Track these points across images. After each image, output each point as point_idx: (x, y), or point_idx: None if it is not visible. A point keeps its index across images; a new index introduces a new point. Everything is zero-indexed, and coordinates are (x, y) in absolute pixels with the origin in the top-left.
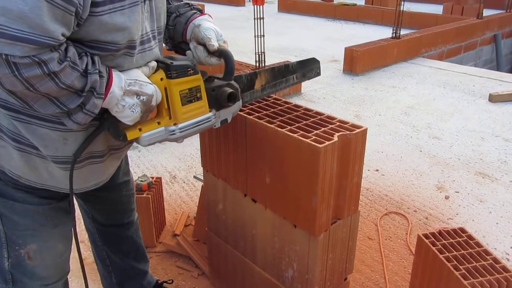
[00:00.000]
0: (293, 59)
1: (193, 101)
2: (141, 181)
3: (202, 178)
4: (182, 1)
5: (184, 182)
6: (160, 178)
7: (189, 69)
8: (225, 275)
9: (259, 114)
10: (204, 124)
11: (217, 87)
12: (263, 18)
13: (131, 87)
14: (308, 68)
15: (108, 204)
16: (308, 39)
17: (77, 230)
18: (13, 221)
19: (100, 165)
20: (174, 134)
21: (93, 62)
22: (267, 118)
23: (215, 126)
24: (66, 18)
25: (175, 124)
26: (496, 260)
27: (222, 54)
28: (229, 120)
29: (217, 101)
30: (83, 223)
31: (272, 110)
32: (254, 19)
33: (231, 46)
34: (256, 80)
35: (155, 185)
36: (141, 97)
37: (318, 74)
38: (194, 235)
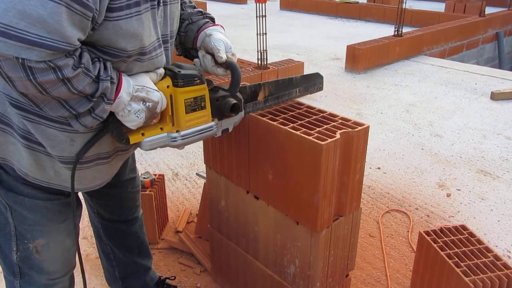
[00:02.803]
0: (295, 57)
1: (197, 110)
2: (144, 178)
3: (205, 176)
4: (195, 7)
5: (186, 179)
6: (162, 175)
7: (195, 79)
8: (227, 272)
9: (261, 112)
10: (206, 133)
11: (221, 97)
12: (265, 16)
13: (138, 93)
14: (311, 82)
15: (114, 200)
16: (310, 37)
17: (82, 226)
18: (22, 215)
19: (106, 165)
20: (175, 141)
21: (105, 68)
22: (270, 116)
23: (216, 135)
24: (83, 23)
25: (177, 131)
26: (497, 257)
27: (230, 66)
28: (230, 130)
29: (220, 111)
30: (88, 218)
31: (275, 107)
32: (256, 17)
33: (234, 44)
34: (260, 92)
35: (158, 182)
36: (147, 104)
37: (321, 88)
38: (197, 232)
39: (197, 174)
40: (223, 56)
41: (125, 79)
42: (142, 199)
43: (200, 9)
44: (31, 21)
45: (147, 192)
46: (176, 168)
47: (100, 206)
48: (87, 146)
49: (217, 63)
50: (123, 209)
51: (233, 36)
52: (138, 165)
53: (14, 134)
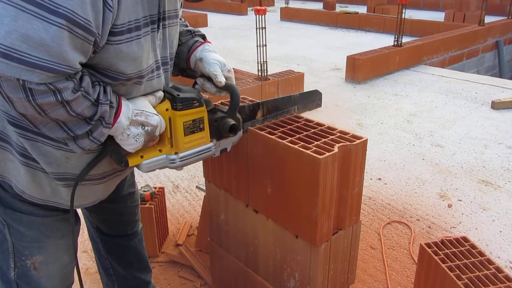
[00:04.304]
0: (295, 67)
1: (196, 131)
2: (144, 191)
3: (204, 188)
4: (187, 26)
5: (186, 192)
6: (162, 188)
7: (194, 102)
8: (227, 285)
9: (260, 125)
10: (204, 154)
11: (220, 118)
12: (265, 27)
13: (137, 117)
14: (310, 99)
15: (113, 215)
16: (310, 47)
17: (82, 239)
18: (20, 232)
19: (101, 185)
20: (174, 162)
21: (105, 92)
22: (268, 129)
23: (214, 155)
24: (85, 47)
25: (176, 153)
26: (499, 269)
27: (229, 89)
28: (228, 149)
29: (219, 132)
30: (87, 232)
31: (273, 121)
32: (256, 29)
33: (234, 55)
34: (258, 110)
35: (158, 195)
36: (146, 128)
37: (319, 105)
38: (197, 245)
39: (197, 187)
40: (222, 80)
41: (124, 103)
42: (142, 212)
43: (189, 28)
44: (33, 44)
45: (147, 205)
46: (177, 180)
47: (99, 221)
48: (87, 169)
49: (217, 87)
50: (122, 223)
51: (233, 47)
52: (138, 177)
53: (13, 151)
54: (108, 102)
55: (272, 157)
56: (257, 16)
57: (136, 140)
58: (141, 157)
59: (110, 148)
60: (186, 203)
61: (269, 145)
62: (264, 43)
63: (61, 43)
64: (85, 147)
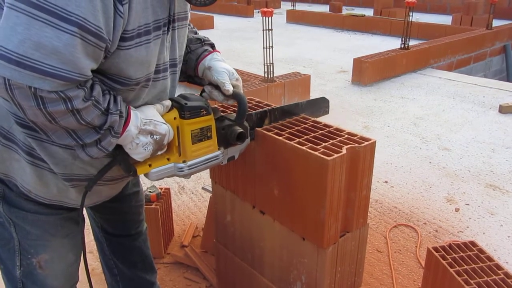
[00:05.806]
0: (302, 70)
1: (203, 140)
2: (150, 192)
3: (211, 190)
4: (196, 33)
5: (192, 193)
6: (168, 189)
7: (202, 110)
8: (232, 287)
9: (268, 126)
10: (212, 162)
11: (227, 126)
12: (271, 29)
13: (146, 126)
14: (317, 107)
15: (117, 214)
16: (317, 49)
17: (87, 240)
18: (25, 230)
19: (107, 187)
20: (182, 171)
21: (115, 101)
22: (276, 130)
23: (222, 163)
24: (96, 53)
25: (184, 162)
26: (507, 275)
27: (236, 98)
28: (236, 157)
29: (226, 140)
30: (92, 232)
31: (281, 122)
32: (263, 30)
33: (240, 58)
34: (266, 118)
35: (164, 196)
36: (155, 136)
37: (327, 112)
38: (202, 247)
39: (203, 188)
40: (229, 89)
41: (133, 112)
42: (148, 213)
43: (199, 36)
44: (46, 52)
45: (153, 206)
46: (183, 181)
47: (103, 220)
48: (96, 178)
49: (225, 95)
50: (126, 223)
51: (239, 49)
52: (144, 178)
53: (19, 151)
54: (118, 112)
55: (279, 158)
56: (264, 18)
57: (145, 149)
58: (149, 165)
59: (119, 157)
60: (191, 204)
61: (276, 146)
62: (270, 45)
63: (73, 50)
64: (93, 155)
